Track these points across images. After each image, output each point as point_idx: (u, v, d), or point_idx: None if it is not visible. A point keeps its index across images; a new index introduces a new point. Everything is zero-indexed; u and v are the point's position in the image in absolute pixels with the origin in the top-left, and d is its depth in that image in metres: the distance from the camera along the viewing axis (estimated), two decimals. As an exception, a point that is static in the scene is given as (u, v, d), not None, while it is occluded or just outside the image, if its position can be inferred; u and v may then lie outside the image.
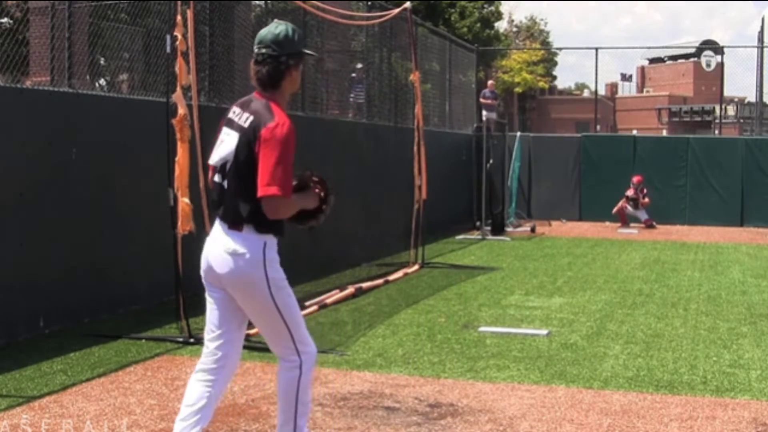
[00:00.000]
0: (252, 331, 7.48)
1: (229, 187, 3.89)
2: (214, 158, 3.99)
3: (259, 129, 3.78)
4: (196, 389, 3.99)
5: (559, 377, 6.21)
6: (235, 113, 3.97)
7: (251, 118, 3.85)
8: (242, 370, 6.29)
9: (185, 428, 3.93)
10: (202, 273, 4.03)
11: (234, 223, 3.87)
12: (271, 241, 3.92)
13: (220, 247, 3.90)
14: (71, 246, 7.72)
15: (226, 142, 3.93)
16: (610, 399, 5.69)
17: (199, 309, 7.68)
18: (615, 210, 18.99)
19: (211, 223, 4.03)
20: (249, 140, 3.81)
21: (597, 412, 5.40)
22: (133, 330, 7.47)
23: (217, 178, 3.96)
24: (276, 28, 3.94)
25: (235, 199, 3.87)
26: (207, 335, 4.07)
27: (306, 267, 10.19)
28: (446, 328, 7.87)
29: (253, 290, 3.89)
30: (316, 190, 4.06)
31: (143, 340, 7.18)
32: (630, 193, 18.96)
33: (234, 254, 3.85)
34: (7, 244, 7.06)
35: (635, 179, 18.97)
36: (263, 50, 3.89)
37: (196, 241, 7.20)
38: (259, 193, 3.74)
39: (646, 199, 18.92)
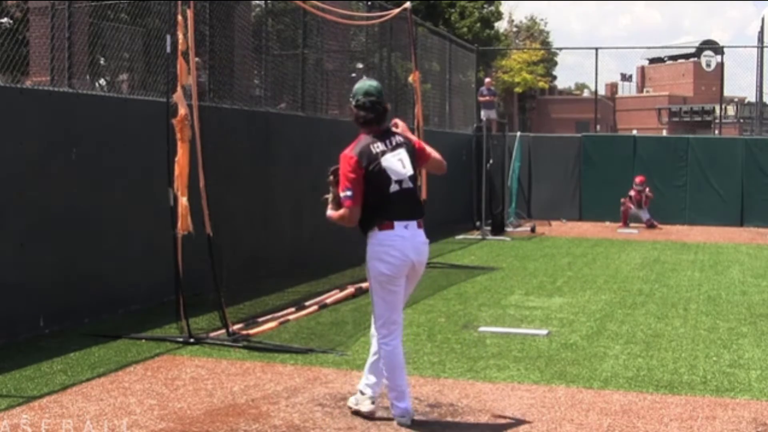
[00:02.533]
0: (252, 331, 7.51)
1: (415, 191, 5.10)
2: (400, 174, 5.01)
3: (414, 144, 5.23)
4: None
5: (559, 377, 6.21)
6: (383, 143, 5.05)
7: (404, 141, 5.15)
8: (242, 370, 6.29)
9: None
10: (401, 265, 5.11)
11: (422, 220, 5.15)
12: None
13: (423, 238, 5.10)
14: (71, 246, 7.72)
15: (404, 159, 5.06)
16: (610, 399, 5.69)
17: (199, 309, 7.75)
18: (623, 208, 18.96)
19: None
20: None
21: (597, 412, 5.40)
22: (133, 330, 7.47)
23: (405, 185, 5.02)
24: (374, 81, 5.20)
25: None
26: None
27: (306, 267, 10.19)
28: (446, 328, 7.87)
29: None
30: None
31: (143, 340, 7.18)
32: (633, 193, 18.95)
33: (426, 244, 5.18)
34: (7, 244, 7.07)
35: (638, 179, 18.95)
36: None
37: (195, 241, 7.26)
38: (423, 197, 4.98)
39: (650, 194, 18.85)
